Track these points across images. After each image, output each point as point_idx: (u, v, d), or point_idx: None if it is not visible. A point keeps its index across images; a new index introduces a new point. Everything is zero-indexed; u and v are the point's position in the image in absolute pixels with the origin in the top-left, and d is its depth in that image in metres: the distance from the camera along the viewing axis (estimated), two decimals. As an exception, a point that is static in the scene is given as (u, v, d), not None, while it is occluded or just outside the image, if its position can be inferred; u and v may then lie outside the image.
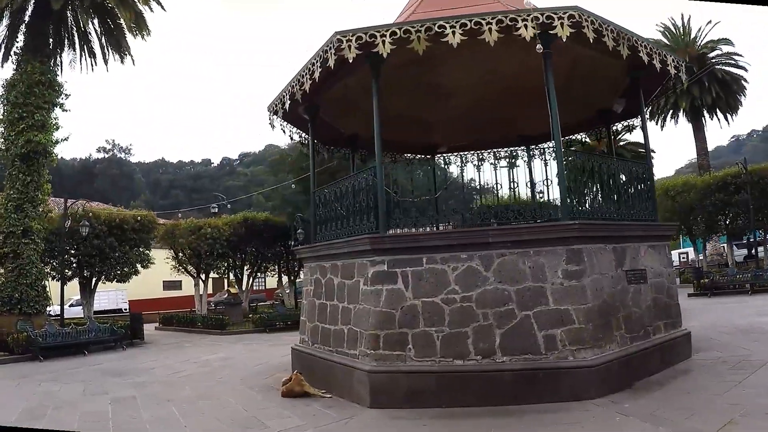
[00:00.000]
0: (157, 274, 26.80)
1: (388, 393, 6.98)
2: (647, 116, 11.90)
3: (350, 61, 7.07)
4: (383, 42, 6.96)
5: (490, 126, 11.72)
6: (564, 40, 6.84)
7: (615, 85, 10.00)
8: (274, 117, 9.71)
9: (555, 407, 6.46)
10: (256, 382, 9.68)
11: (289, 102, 8.67)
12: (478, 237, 7.26)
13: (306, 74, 7.96)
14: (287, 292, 27.35)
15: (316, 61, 7.66)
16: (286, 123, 10.38)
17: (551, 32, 6.87)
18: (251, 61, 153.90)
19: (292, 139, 10.81)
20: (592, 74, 9.25)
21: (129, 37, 18.88)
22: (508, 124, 11.85)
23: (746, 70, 32.32)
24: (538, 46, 6.83)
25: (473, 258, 7.09)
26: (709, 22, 34.02)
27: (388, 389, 6.99)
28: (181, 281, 31.58)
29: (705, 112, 32.25)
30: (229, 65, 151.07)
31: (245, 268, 26.46)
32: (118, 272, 22.08)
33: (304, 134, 10.98)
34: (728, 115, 32.69)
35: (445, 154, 12.73)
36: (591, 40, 7.12)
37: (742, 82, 32.21)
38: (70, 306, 23.30)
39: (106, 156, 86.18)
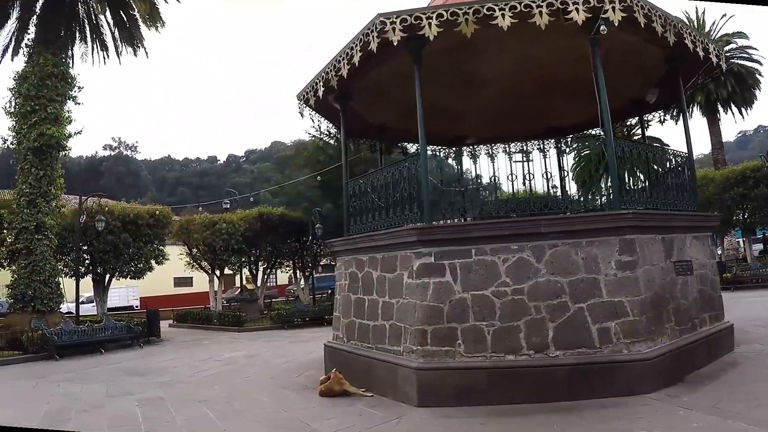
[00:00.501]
0: (169, 271, 26.57)
1: (436, 391, 6.71)
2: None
3: (394, 44, 6.79)
4: (429, 24, 6.69)
5: (521, 117, 11.46)
6: (615, 24, 6.62)
7: (651, 74, 9.76)
8: (304, 106, 9.42)
9: (611, 402, 6.24)
10: (287, 380, 9.38)
11: (322, 89, 8.38)
12: (529, 227, 6.99)
13: (344, 59, 7.66)
14: (302, 287, 27.07)
15: (356, 45, 7.36)
16: (314, 113, 10.08)
17: (602, 16, 6.64)
18: (253, 59, 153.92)
19: (319, 129, 10.54)
20: (628, 62, 8.98)
21: (143, 28, 18.64)
22: (538, 115, 11.61)
23: (761, 63, 31.86)
24: (602, 27, 6.58)
25: (524, 249, 6.82)
26: (724, 15, 33.21)
27: (436, 387, 6.72)
28: (192, 278, 31.35)
29: (720, 106, 31.86)
30: (232, 62, 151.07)
31: (260, 263, 26.06)
32: (132, 268, 21.83)
33: (331, 125, 10.72)
34: (743, 109, 32.28)
35: (474, 146, 12.46)
36: (642, 26, 6.96)
37: (757, 76, 31.79)
38: (81, 303, 23.05)
39: (113, 153, 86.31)
